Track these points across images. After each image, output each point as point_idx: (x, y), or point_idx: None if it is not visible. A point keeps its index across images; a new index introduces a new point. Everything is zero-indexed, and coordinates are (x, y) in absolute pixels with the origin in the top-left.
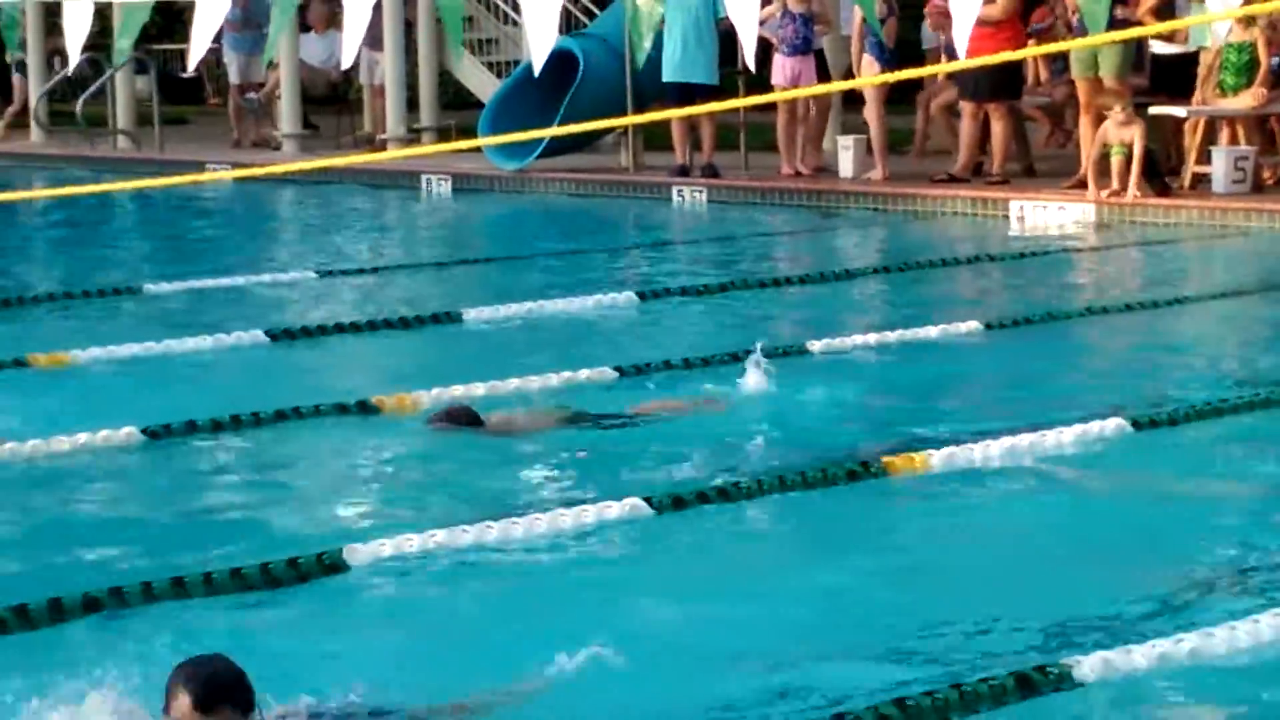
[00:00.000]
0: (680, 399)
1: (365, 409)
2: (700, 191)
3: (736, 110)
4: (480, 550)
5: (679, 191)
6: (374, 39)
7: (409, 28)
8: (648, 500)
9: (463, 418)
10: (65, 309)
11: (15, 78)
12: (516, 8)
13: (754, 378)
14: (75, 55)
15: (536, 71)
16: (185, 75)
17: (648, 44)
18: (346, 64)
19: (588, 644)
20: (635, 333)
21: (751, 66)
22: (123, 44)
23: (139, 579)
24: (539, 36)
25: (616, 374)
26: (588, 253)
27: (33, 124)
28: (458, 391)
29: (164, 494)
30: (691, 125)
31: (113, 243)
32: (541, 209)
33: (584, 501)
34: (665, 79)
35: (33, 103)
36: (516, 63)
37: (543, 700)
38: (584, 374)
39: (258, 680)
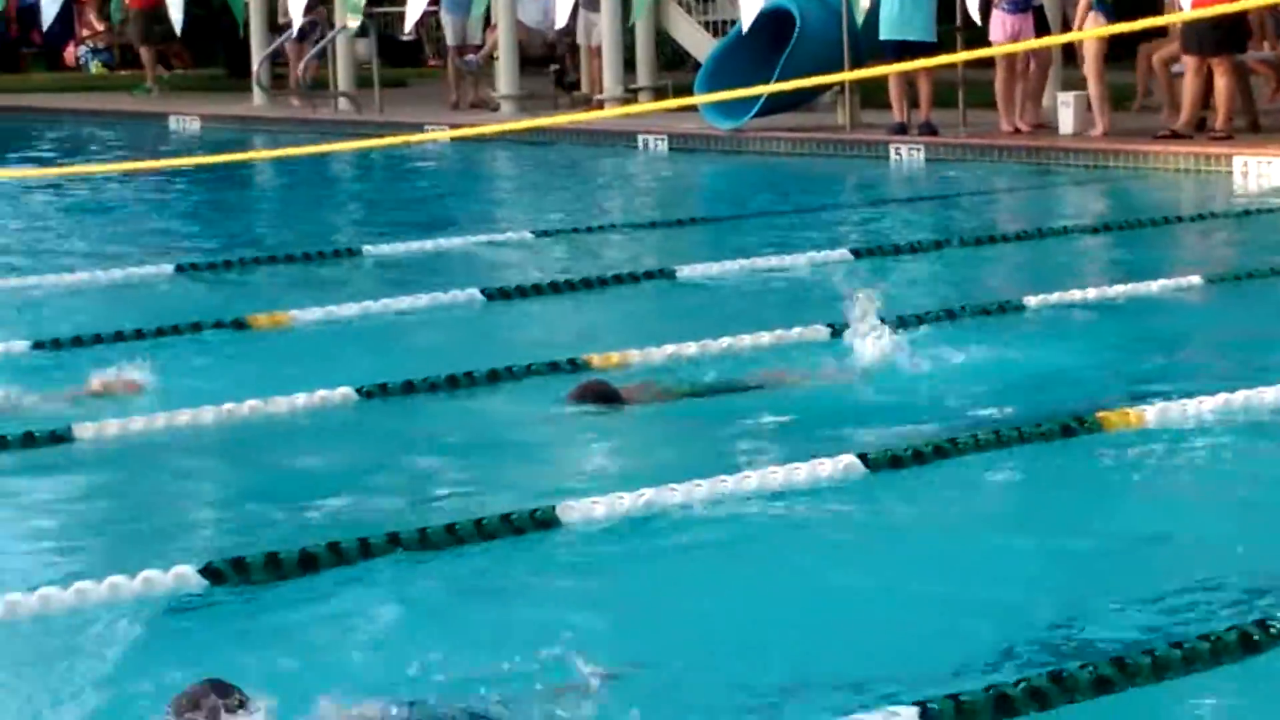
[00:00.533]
0: (798, 370)
1: (576, 367)
2: (918, 149)
3: (954, 67)
4: (690, 508)
5: (896, 150)
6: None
7: None
8: (862, 458)
9: (601, 395)
10: (285, 270)
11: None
12: None
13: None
14: (297, 19)
15: (744, 28)
16: (404, 38)
17: (865, 2)
18: (560, 24)
19: (807, 603)
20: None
21: (977, 19)
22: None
23: (355, 536)
24: None
25: (829, 331)
26: (803, 211)
27: (255, 87)
28: (669, 350)
29: (379, 453)
30: (909, 82)
31: (332, 204)
32: (758, 168)
33: (795, 459)
34: (882, 36)
35: (255, 66)
36: (733, 22)
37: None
38: (796, 331)
39: (472, 643)
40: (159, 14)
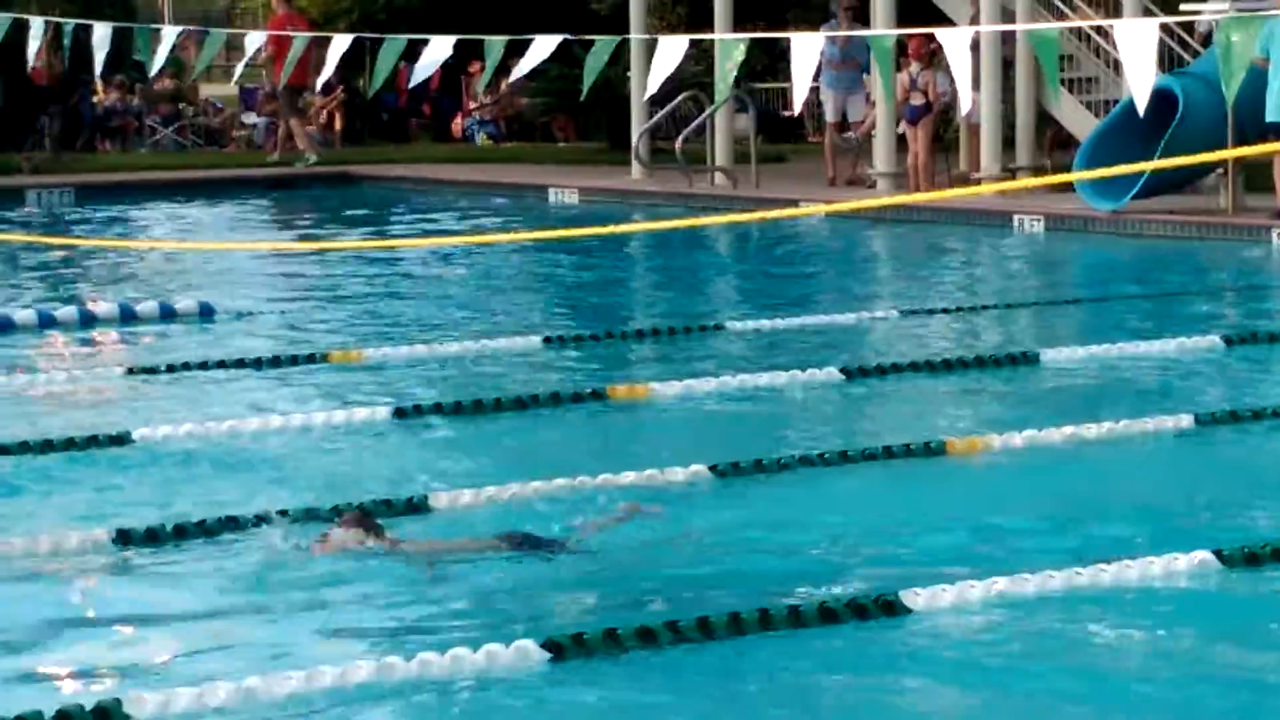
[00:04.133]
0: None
1: (931, 451)
2: None
3: None
4: (1044, 601)
5: (1278, 233)
6: (972, 78)
7: (1007, 66)
8: (1217, 554)
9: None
10: (650, 343)
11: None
12: (1115, 45)
13: None
14: (653, 86)
15: (1141, 110)
16: (783, 114)
17: (1235, 83)
18: (965, 109)
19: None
20: (1218, 377)
21: None
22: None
23: (693, 615)
24: (1139, 74)
25: (1192, 420)
26: (1177, 295)
27: (633, 160)
28: (1029, 434)
29: (731, 530)
30: None
31: (704, 278)
32: (1135, 250)
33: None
34: (1269, 118)
35: (634, 140)
36: (1115, 101)
37: None
38: (1169, 421)
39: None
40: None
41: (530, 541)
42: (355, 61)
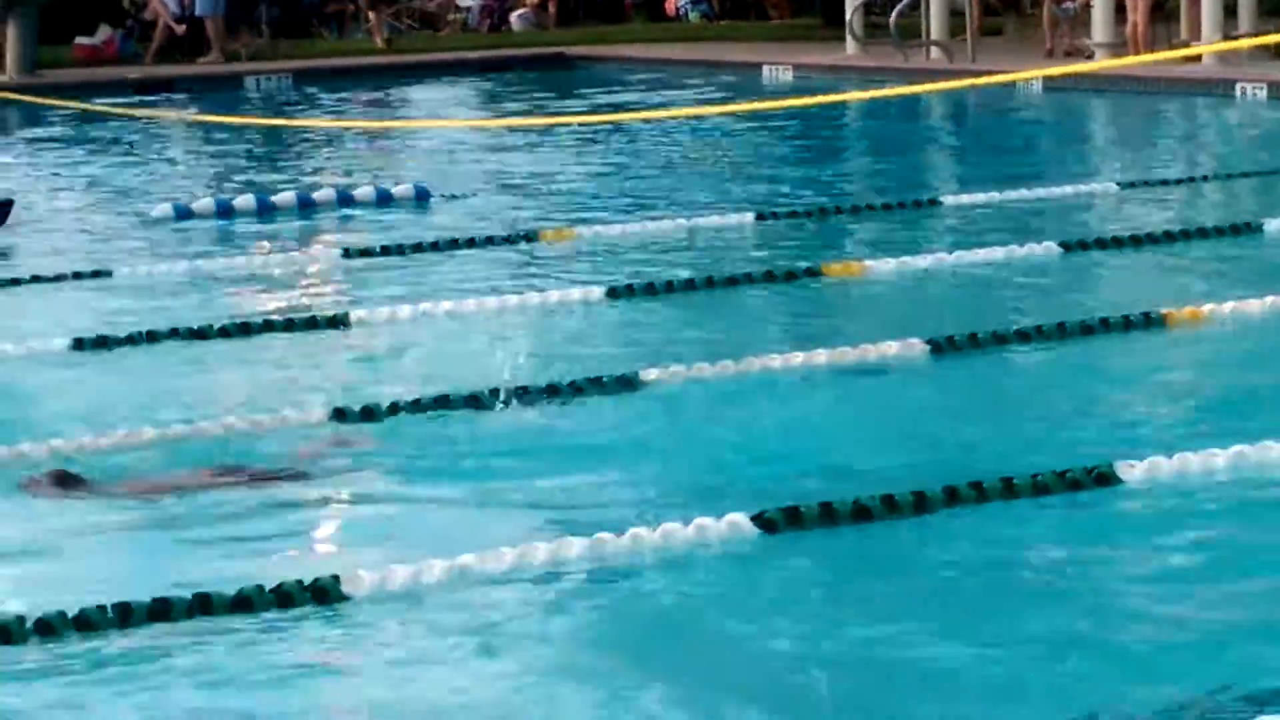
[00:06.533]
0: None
1: (1151, 322)
2: None
3: None
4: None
5: None
6: None
7: None
8: None
9: (57, 482)
10: (865, 218)
11: None
12: None
13: None
14: None
15: None
16: None
17: None
18: None
19: None
20: None
21: None
22: None
23: (910, 489)
24: None
25: None
26: None
27: (848, 36)
28: (1252, 305)
29: (945, 406)
30: None
31: (919, 153)
32: None
33: None
34: None
35: (849, 15)
36: None
37: None
38: None
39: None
40: None
41: (241, 472)
42: None
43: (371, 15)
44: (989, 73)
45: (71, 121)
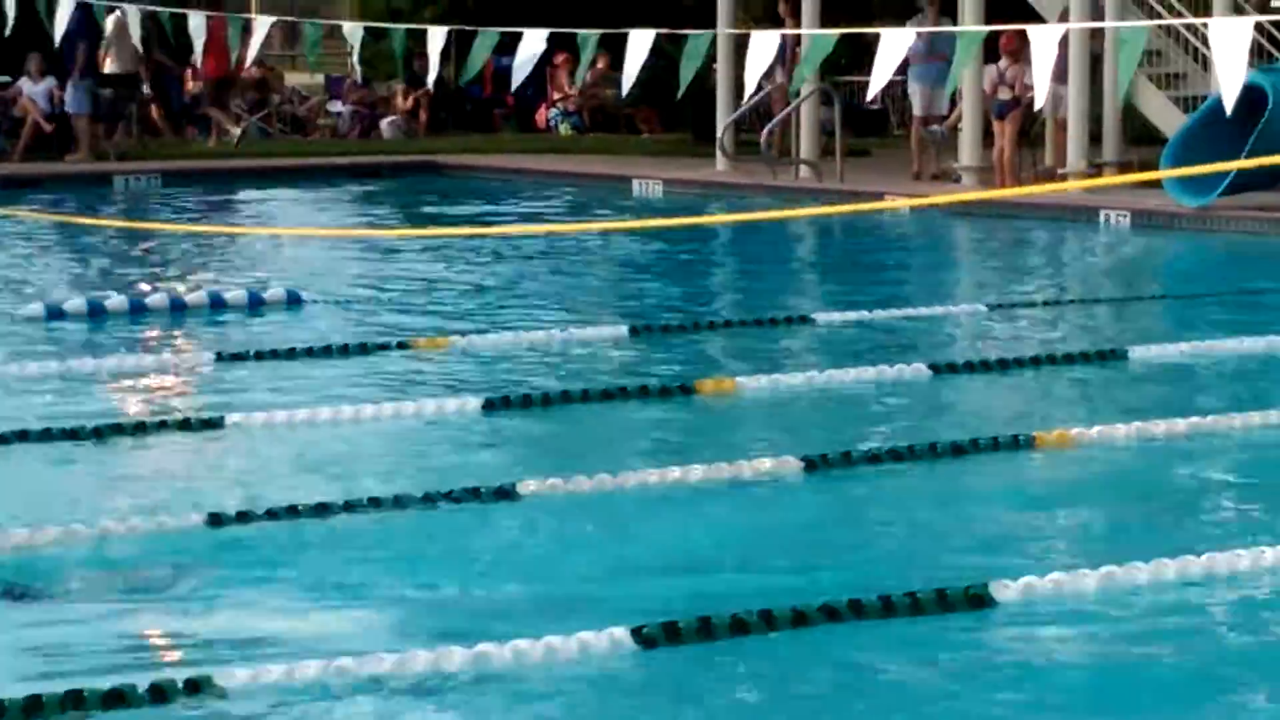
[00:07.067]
0: None
1: (1020, 444)
2: None
3: None
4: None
5: None
6: (1059, 72)
7: (1095, 61)
8: None
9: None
10: (737, 334)
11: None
12: (1206, 41)
13: None
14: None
15: (1229, 108)
16: (869, 107)
17: None
18: (1039, 102)
19: None
20: None
21: None
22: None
23: (789, 604)
24: (1229, 71)
25: None
26: (1266, 292)
27: (718, 152)
28: (1118, 430)
29: (821, 522)
30: None
31: (789, 270)
32: (1224, 247)
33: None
34: None
35: (719, 133)
36: (1203, 98)
37: None
38: (1257, 417)
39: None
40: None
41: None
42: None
43: (213, 113)
44: (858, 193)
45: None
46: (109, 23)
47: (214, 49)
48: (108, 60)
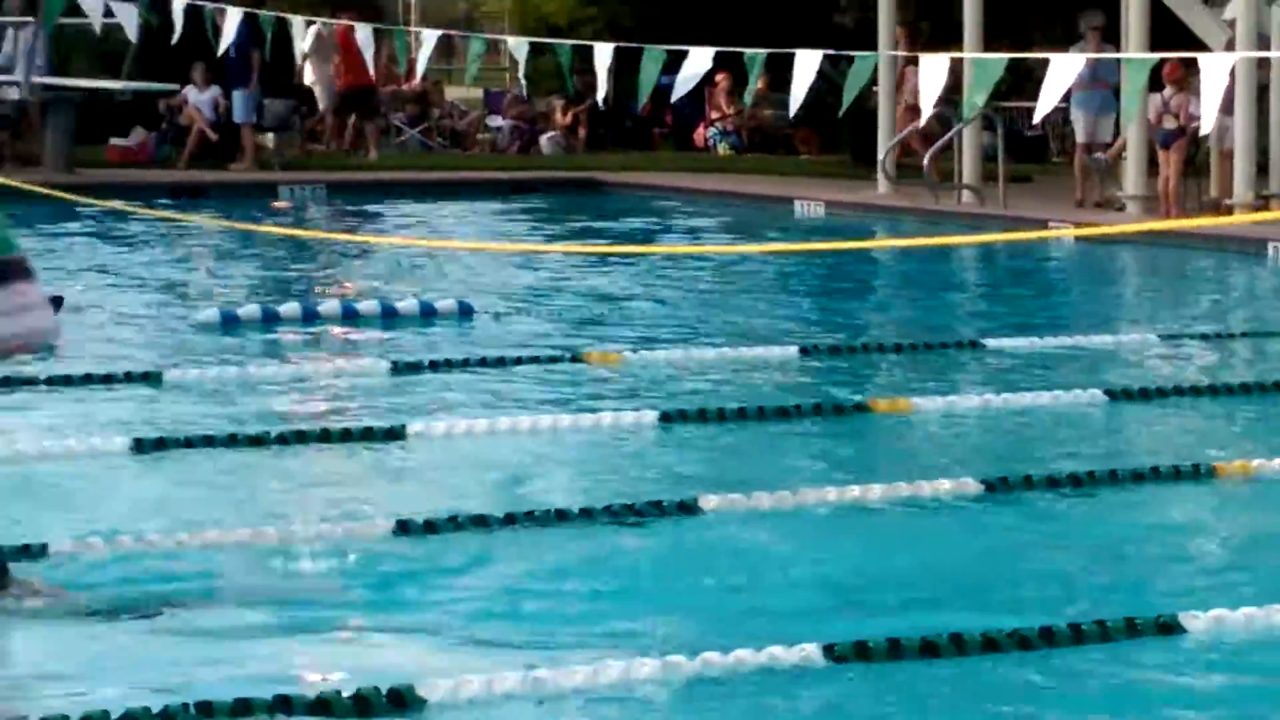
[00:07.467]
0: None
1: (1201, 473)
2: None
3: None
4: None
5: None
6: (1226, 103)
7: (1262, 91)
8: None
9: None
10: (907, 358)
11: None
12: None
13: None
14: (927, 107)
15: None
16: (1031, 133)
17: None
18: (1206, 129)
19: None
20: None
21: None
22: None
23: (919, 634)
24: None
25: None
26: None
27: (879, 175)
28: None
29: (990, 549)
30: None
31: (955, 294)
32: None
33: None
34: None
35: (881, 155)
36: None
37: None
38: None
39: None
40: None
41: None
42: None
43: (366, 126)
44: (1021, 219)
45: (109, 221)
46: (309, 35)
47: (349, 61)
48: (307, 69)
